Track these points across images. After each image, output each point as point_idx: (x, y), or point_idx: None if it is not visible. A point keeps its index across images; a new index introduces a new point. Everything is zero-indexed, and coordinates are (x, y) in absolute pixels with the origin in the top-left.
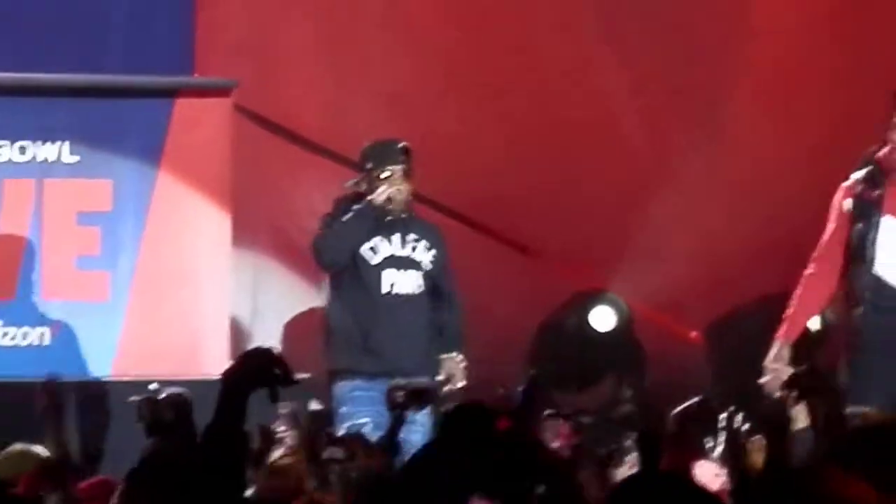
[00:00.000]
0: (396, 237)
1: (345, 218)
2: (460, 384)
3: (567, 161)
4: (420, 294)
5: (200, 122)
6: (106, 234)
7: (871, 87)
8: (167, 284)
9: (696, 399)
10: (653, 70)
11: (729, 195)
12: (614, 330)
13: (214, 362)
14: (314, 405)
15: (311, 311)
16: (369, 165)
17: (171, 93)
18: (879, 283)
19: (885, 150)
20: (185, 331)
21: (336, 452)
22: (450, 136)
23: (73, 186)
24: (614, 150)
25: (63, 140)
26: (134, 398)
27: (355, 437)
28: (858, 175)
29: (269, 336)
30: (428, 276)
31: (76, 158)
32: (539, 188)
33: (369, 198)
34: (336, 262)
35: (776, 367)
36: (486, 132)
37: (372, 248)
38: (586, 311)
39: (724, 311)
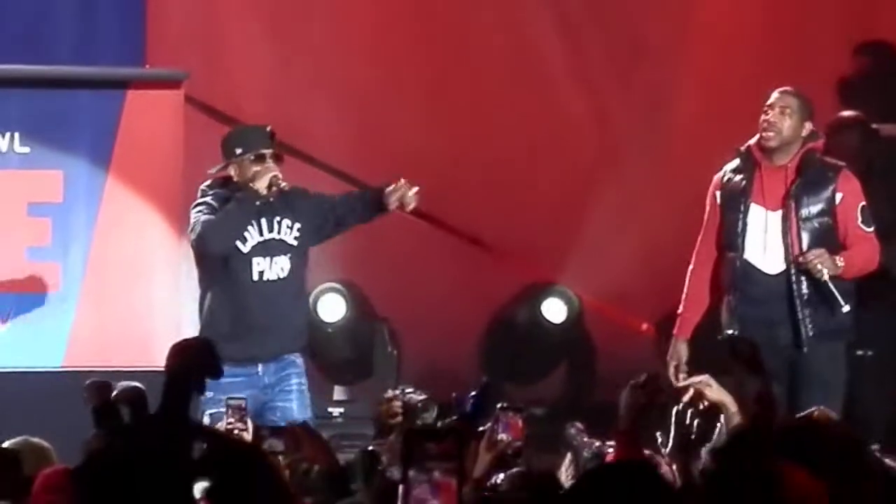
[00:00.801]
0: (264, 222)
1: (230, 205)
2: (413, 205)
3: (517, 155)
4: (289, 277)
5: (152, 113)
6: (57, 226)
7: (813, 83)
8: (119, 276)
9: (644, 377)
10: (601, 66)
11: (677, 189)
12: (565, 322)
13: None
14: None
15: None
16: (239, 150)
17: (123, 84)
18: (749, 269)
19: (754, 139)
20: (137, 322)
21: (276, 445)
22: (400, 127)
23: (23, 177)
24: (563, 144)
25: (13, 131)
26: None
27: (301, 427)
28: (729, 166)
29: None
30: (297, 251)
31: (26, 149)
32: (490, 182)
33: (253, 185)
34: (225, 248)
35: (675, 363)
36: (435, 125)
37: (242, 236)
38: (538, 304)
39: (675, 304)
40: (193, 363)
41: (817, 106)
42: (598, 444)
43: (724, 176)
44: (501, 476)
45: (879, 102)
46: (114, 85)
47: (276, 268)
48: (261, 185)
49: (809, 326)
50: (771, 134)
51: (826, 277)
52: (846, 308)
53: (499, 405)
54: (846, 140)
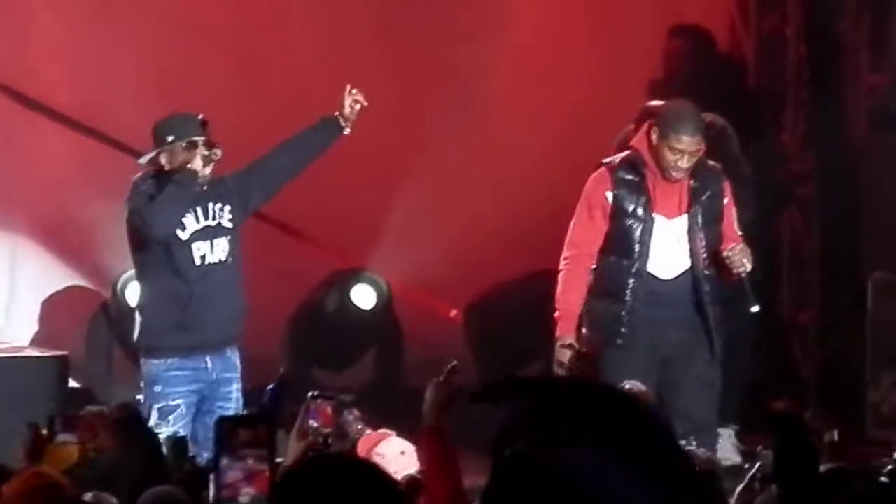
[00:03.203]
0: (199, 210)
1: (168, 187)
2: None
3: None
4: (229, 259)
5: None
6: None
7: (623, 71)
8: None
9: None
10: (412, 50)
11: (489, 177)
12: (374, 308)
13: None
14: (73, 383)
15: (69, 288)
16: (170, 138)
17: None
18: (647, 277)
19: (639, 138)
20: None
21: (68, 437)
22: (218, 114)
23: None
24: (374, 130)
25: None
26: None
27: (97, 415)
28: (615, 162)
29: (27, 315)
30: (234, 233)
31: None
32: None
33: (190, 167)
34: (169, 232)
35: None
36: (244, 102)
37: (181, 223)
38: (346, 290)
39: (483, 291)
40: None
41: (629, 94)
42: (369, 430)
43: (615, 179)
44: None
45: (695, 86)
46: None
47: (217, 250)
48: (196, 164)
49: (715, 329)
50: (679, 175)
51: (748, 271)
52: (755, 308)
53: (309, 393)
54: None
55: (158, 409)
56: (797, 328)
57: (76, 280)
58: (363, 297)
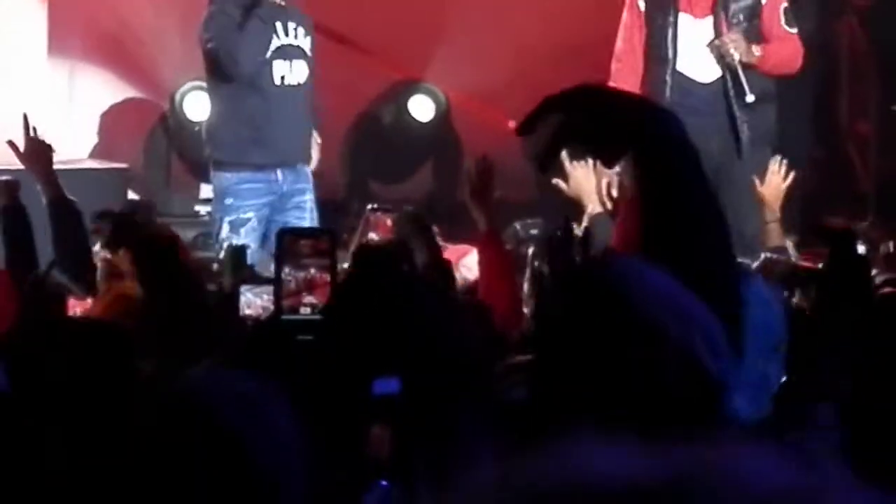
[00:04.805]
0: (279, 26)
1: (252, 23)
2: (314, 165)
3: None
4: (306, 83)
5: None
6: None
7: None
8: None
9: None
10: None
11: None
12: (432, 120)
13: None
14: (132, 195)
15: (128, 101)
16: None
17: None
18: (681, 80)
19: None
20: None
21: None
22: None
23: None
24: None
25: None
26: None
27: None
28: None
29: (86, 127)
30: (310, 60)
31: None
32: None
33: None
34: (254, 70)
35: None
36: None
37: None
38: (404, 101)
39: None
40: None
41: None
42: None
43: None
44: None
45: None
46: None
47: (295, 72)
48: None
49: (746, 132)
50: None
51: (737, 61)
52: (750, 98)
53: (368, 206)
54: None
55: (230, 221)
56: (856, 139)
57: (134, 93)
58: (421, 108)
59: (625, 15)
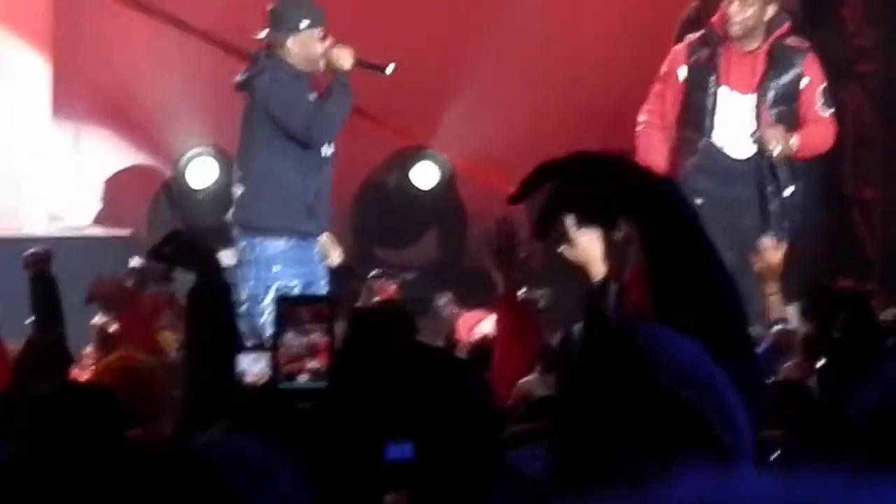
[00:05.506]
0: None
1: (335, 98)
2: (338, 260)
3: (389, 17)
4: (333, 154)
5: None
6: None
7: None
8: None
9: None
10: None
11: (553, 53)
12: (436, 186)
13: (35, 222)
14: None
15: (132, 168)
16: (304, 23)
17: None
18: (714, 152)
19: (718, 16)
20: (6, 190)
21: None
22: None
23: None
24: (439, 3)
25: None
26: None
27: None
28: (692, 39)
29: (90, 194)
30: None
31: None
32: (361, 44)
33: (333, 63)
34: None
35: None
36: None
37: None
38: (408, 168)
39: None
40: None
41: None
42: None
43: (689, 52)
44: None
45: None
46: None
47: (332, 145)
48: (346, 63)
49: (776, 216)
50: (735, 28)
51: (776, 153)
52: (788, 191)
53: (371, 273)
54: None
55: (277, 288)
56: (861, 206)
57: (139, 159)
58: (425, 175)
59: (658, 85)
